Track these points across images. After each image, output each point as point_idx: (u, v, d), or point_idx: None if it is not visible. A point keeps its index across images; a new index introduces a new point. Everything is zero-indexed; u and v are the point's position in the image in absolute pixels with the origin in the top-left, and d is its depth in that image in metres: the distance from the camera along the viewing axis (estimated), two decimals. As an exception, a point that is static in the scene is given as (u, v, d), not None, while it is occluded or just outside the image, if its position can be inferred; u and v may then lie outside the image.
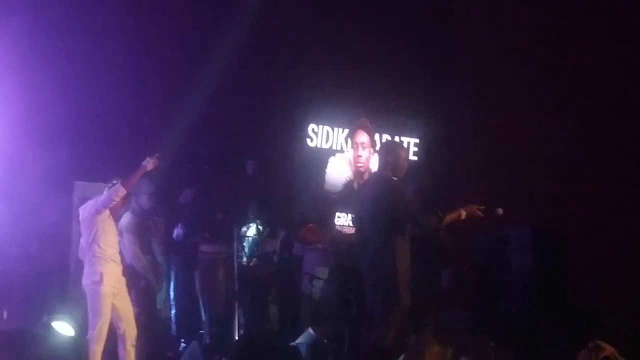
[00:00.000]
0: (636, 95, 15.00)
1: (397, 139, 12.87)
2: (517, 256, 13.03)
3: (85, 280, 9.04)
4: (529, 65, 15.09)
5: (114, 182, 9.02)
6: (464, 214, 8.80)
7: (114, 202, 9.01)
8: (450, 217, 8.79)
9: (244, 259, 10.89)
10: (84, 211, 9.25)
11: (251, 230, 11.22)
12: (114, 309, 8.99)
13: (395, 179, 8.95)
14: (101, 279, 8.95)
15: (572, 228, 13.60)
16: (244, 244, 10.99)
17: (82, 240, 9.20)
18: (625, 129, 14.88)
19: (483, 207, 8.83)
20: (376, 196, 8.86)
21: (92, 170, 11.04)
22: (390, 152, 9.09)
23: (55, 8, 11.94)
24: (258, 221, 11.30)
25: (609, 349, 6.13)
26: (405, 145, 13.45)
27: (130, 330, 9.07)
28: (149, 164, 9.04)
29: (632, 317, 13.72)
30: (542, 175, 14.85)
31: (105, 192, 9.09)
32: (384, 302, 8.72)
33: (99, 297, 8.93)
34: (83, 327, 9.28)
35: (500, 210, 8.85)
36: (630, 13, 14.93)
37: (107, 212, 9.07)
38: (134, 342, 9.07)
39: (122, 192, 8.98)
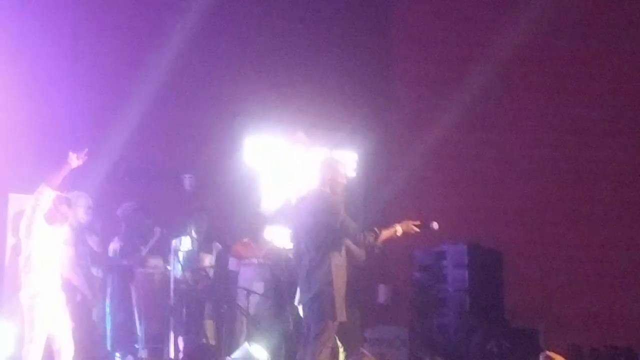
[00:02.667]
0: (569, 114, 15.24)
1: (335, 153, 12.90)
2: (454, 272, 13.11)
3: (23, 294, 8.89)
4: (469, 81, 15.21)
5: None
6: (399, 229, 8.83)
7: (40, 204, 8.76)
8: (386, 233, 8.82)
9: (179, 273, 10.83)
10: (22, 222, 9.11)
11: (184, 244, 11.16)
12: (50, 324, 8.85)
13: (332, 195, 8.97)
14: (38, 293, 8.80)
15: (507, 244, 13.73)
16: (179, 257, 10.92)
17: (22, 253, 9.01)
18: (557, 147, 15.09)
19: (418, 222, 8.87)
20: (313, 212, 8.87)
21: (27, 182, 10.89)
22: (328, 168, 9.11)
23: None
24: (193, 235, 11.25)
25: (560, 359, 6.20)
26: (343, 160, 13.51)
27: (66, 347, 8.93)
28: (73, 160, 8.75)
29: (567, 331, 13.90)
30: (478, 192, 14.98)
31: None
32: (319, 317, 8.72)
33: (36, 311, 8.78)
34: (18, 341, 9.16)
35: (435, 225, 8.89)
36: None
37: (43, 221, 8.86)
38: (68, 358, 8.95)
39: (47, 191, 8.75)
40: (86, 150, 8.79)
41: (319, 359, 8.56)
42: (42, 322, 8.75)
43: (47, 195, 8.81)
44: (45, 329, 8.76)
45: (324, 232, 8.75)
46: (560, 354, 6.28)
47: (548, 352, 6.19)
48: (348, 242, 9.23)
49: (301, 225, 9.00)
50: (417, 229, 8.88)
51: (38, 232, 8.85)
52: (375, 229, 8.80)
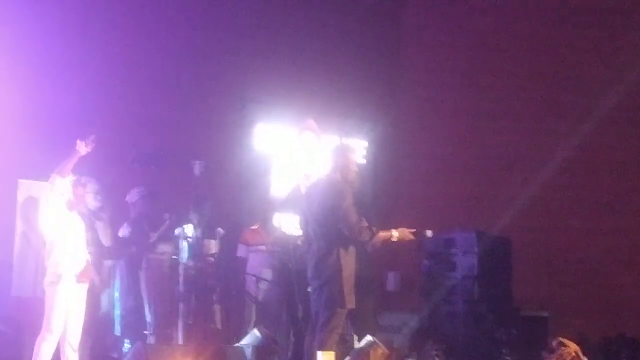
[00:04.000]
0: (575, 101, 15.21)
1: (345, 141, 12.89)
2: (462, 259, 13.11)
3: (45, 281, 8.91)
4: (478, 69, 15.21)
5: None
6: (395, 235, 8.89)
7: (56, 194, 8.81)
8: (382, 235, 8.87)
9: (185, 259, 10.84)
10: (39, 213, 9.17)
11: (188, 230, 11.18)
12: (68, 311, 8.86)
13: (343, 182, 8.97)
14: (60, 280, 8.82)
15: (516, 231, 13.73)
16: (185, 244, 10.93)
17: (46, 241, 9.04)
18: (566, 134, 15.06)
19: (414, 230, 8.93)
20: (323, 198, 8.87)
21: (36, 169, 10.90)
22: (340, 155, 9.11)
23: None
24: (195, 222, 11.28)
25: (573, 346, 6.17)
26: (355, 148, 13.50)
27: (73, 335, 8.94)
28: (82, 147, 8.72)
29: (575, 319, 13.90)
30: (487, 179, 14.97)
31: None
32: (327, 304, 8.73)
33: (57, 299, 8.77)
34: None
35: (429, 233, 9.03)
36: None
37: (63, 209, 8.88)
38: (75, 347, 8.94)
39: (60, 180, 8.80)
40: (93, 137, 8.78)
41: (327, 346, 8.58)
42: (62, 309, 8.76)
43: (60, 185, 8.84)
44: (64, 317, 8.78)
45: (332, 218, 8.76)
46: (572, 340, 6.27)
47: (561, 339, 6.16)
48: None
49: (311, 211, 9.00)
50: (412, 237, 8.96)
51: (59, 221, 8.89)
52: (373, 228, 8.85)
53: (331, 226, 8.77)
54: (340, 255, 8.73)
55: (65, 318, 8.80)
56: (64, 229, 8.91)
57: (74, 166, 8.87)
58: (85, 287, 9.03)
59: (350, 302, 8.77)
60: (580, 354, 6.15)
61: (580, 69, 15.48)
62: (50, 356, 8.75)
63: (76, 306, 8.92)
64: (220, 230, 11.56)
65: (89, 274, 9.20)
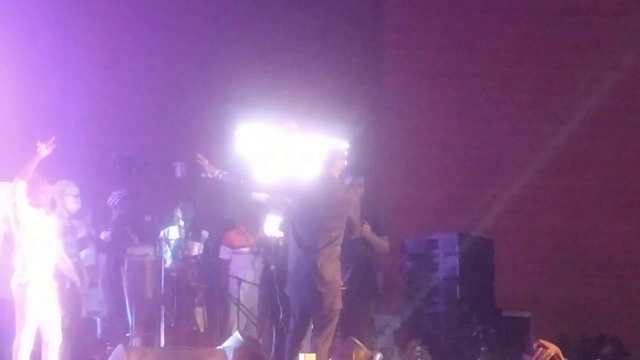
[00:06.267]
0: (558, 102, 15.26)
1: (327, 142, 12.93)
2: (445, 260, 13.12)
3: (13, 282, 8.87)
4: (460, 70, 15.24)
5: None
6: None
7: (18, 196, 8.73)
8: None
9: (169, 262, 10.83)
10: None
11: (173, 233, 11.16)
12: (41, 313, 8.81)
13: (345, 187, 9.13)
14: (28, 282, 8.78)
15: (498, 233, 13.76)
16: (168, 246, 10.93)
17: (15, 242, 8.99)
18: (548, 135, 15.12)
19: None
20: (334, 206, 8.88)
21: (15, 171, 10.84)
22: (338, 158, 9.23)
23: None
24: (181, 223, 11.26)
25: (553, 348, 6.18)
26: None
27: (54, 337, 8.89)
28: (42, 149, 8.70)
29: (557, 320, 13.95)
30: (468, 180, 15.01)
31: None
32: (328, 308, 8.79)
33: (27, 300, 8.73)
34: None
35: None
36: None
37: (29, 209, 8.83)
38: (57, 350, 8.90)
39: (21, 184, 8.76)
40: (53, 138, 8.78)
41: (322, 349, 8.61)
42: (33, 311, 8.72)
43: (22, 187, 8.79)
44: (36, 319, 8.74)
45: (341, 226, 8.82)
46: (553, 342, 6.28)
47: (542, 341, 6.18)
48: (372, 234, 9.71)
49: (312, 216, 8.89)
50: None
51: (26, 221, 8.84)
52: (365, 223, 9.07)
53: (338, 233, 8.81)
54: (338, 259, 8.81)
55: (38, 319, 8.74)
56: (31, 228, 8.83)
57: (53, 170, 8.85)
58: (55, 286, 8.97)
59: (340, 302, 8.87)
60: (561, 355, 6.16)
61: (563, 69, 15.52)
62: (27, 357, 8.70)
63: (50, 307, 8.86)
64: (205, 232, 11.56)
65: (63, 274, 9.17)
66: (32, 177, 8.87)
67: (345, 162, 9.36)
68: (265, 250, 11.12)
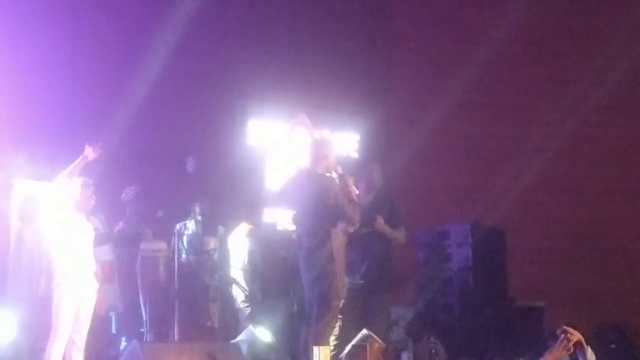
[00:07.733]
0: (567, 91, 15.23)
1: (337, 135, 12.93)
2: (457, 251, 13.12)
3: (54, 282, 8.85)
4: (469, 60, 15.20)
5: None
6: None
7: (64, 195, 8.79)
8: None
9: (183, 257, 10.85)
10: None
11: (189, 228, 11.19)
12: (74, 313, 8.82)
13: (326, 175, 9.05)
14: (66, 281, 8.75)
15: (510, 223, 13.74)
16: (183, 241, 10.94)
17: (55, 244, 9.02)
18: (560, 124, 15.09)
19: None
20: (310, 195, 8.90)
21: (31, 168, 10.89)
22: (320, 148, 9.17)
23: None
24: (198, 218, 11.27)
25: (577, 335, 6.17)
26: (346, 141, 13.55)
27: (80, 335, 8.89)
28: (90, 153, 8.80)
29: (570, 309, 13.92)
30: (480, 170, 14.99)
31: None
32: (323, 298, 8.78)
33: (63, 299, 8.69)
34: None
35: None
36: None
37: (72, 210, 8.86)
38: (81, 347, 8.92)
39: (67, 183, 8.78)
40: (102, 143, 8.82)
41: (322, 341, 8.61)
42: (70, 311, 8.71)
43: (67, 187, 8.81)
44: (71, 320, 8.75)
45: (322, 213, 8.80)
46: (576, 328, 6.28)
47: (565, 327, 6.16)
48: (386, 226, 9.59)
49: (295, 207, 9.08)
50: None
51: (66, 222, 8.86)
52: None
53: (321, 221, 8.81)
54: (332, 248, 8.79)
55: (73, 320, 8.76)
56: (71, 230, 8.87)
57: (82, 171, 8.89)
58: (95, 287, 9.01)
59: (343, 294, 8.85)
60: (584, 342, 6.16)
61: (577, 58, 15.48)
62: (61, 358, 8.71)
63: (85, 307, 8.88)
64: (221, 227, 11.57)
65: (101, 275, 9.19)
66: (83, 180, 8.91)
67: (332, 151, 9.27)
68: (275, 244, 11.17)
